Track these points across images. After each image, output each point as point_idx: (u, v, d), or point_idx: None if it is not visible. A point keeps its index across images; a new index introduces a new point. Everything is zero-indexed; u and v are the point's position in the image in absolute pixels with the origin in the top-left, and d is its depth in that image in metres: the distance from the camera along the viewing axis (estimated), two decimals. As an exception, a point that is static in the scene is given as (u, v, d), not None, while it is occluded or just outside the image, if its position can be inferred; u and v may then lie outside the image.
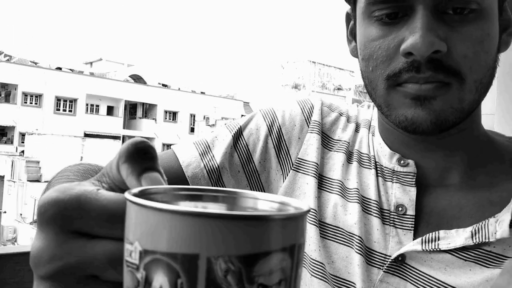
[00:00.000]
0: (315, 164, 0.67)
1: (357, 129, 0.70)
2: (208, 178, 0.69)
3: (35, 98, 33.30)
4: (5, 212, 20.16)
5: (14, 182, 21.61)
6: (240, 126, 0.73)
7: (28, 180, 21.00)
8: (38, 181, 21.33)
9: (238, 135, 0.72)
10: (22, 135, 32.32)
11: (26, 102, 32.95)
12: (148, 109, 38.73)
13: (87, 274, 0.30)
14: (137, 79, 39.19)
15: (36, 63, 35.81)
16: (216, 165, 0.70)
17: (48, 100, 33.32)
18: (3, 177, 22.88)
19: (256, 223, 0.24)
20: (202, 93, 40.97)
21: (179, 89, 40.45)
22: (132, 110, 38.97)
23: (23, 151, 26.64)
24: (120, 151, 0.33)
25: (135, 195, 0.27)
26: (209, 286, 0.24)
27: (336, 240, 0.62)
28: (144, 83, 38.85)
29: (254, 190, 0.70)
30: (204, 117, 36.05)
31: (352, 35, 0.62)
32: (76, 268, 0.30)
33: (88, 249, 0.30)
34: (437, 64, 0.51)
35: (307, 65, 34.03)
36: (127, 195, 0.27)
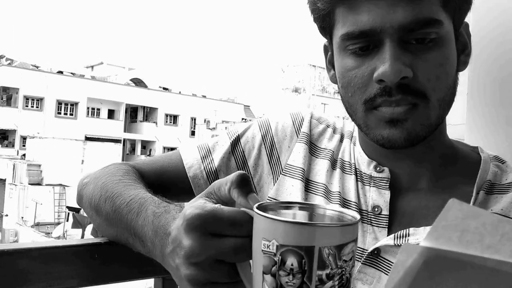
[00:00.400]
0: (302, 170, 0.75)
1: (341, 140, 0.79)
2: (206, 179, 0.79)
3: (36, 102, 33.39)
4: (6, 215, 20.19)
5: (16, 185, 21.66)
6: (238, 134, 0.82)
7: (29, 184, 21.06)
8: (39, 184, 21.40)
9: (236, 142, 0.81)
10: (23, 138, 32.37)
11: (27, 106, 33.04)
12: (149, 113, 38.83)
13: (218, 259, 0.46)
14: (138, 82, 39.31)
15: (37, 67, 35.94)
16: (214, 168, 0.79)
17: (49, 104, 33.41)
18: (4, 180, 22.93)
19: (344, 228, 0.43)
20: (203, 96, 41.09)
21: (180, 92, 40.54)
22: (133, 113, 39.07)
23: (24, 155, 26.69)
24: (232, 180, 0.49)
25: (259, 208, 0.44)
26: (320, 262, 0.41)
27: None
28: (145, 86, 38.98)
29: None
30: (205, 120, 36.11)
31: (330, 64, 0.70)
32: (213, 256, 0.46)
33: (220, 243, 0.46)
34: (405, 88, 0.59)
35: (307, 68, 34.10)
36: (260, 212, 0.43)
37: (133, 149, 38.80)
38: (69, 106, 34.45)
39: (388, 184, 0.69)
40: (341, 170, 0.74)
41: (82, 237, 17.13)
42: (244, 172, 0.51)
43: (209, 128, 28.90)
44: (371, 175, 0.71)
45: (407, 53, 0.58)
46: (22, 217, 20.26)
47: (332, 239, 0.42)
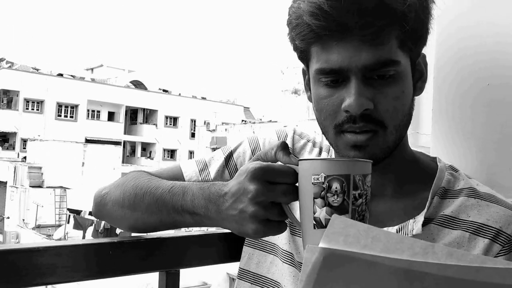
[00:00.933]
0: None
1: (320, 152, 0.89)
2: None
3: (37, 104, 33.47)
4: (8, 217, 20.26)
5: (17, 188, 21.72)
6: (231, 150, 0.94)
7: (30, 186, 21.12)
8: (40, 186, 21.45)
9: (229, 157, 0.93)
10: (24, 141, 32.41)
11: (27, 108, 33.13)
12: (149, 115, 38.92)
13: (271, 201, 0.63)
14: (138, 84, 39.38)
15: (37, 70, 35.91)
16: (211, 180, 0.89)
17: (50, 106, 33.50)
18: (5, 183, 23.00)
19: (367, 163, 0.62)
20: (202, 98, 41.17)
21: (179, 94, 40.65)
22: (133, 115, 39.15)
23: (25, 157, 26.71)
24: (277, 145, 0.67)
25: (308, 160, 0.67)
26: (354, 185, 0.59)
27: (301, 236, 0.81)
28: (145, 88, 39.06)
29: None
30: (205, 122, 36.14)
31: (308, 86, 0.81)
32: (271, 197, 0.63)
33: (275, 188, 0.63)
34: (367, 117, 0.70)
35: (307, 70, 34.18)
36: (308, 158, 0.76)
37: (133, 151, 38.86)
38: (69, 109, 34.56)
39: None
40: None
41: (83, 238, 17.25)
42: (284, 141, 0.70)
43: (209, 130, 28.92)
44: None
45: (370, 88, 0.69)
46: (23, 220, 20.31)
47: (361, 170, 0.61)
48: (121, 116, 37.13)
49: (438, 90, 0.90)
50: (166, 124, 38.94)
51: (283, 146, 0.68)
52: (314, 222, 0.61)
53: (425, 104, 0.96)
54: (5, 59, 37.22)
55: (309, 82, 0.77)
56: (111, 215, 0.85)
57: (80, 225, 16.71)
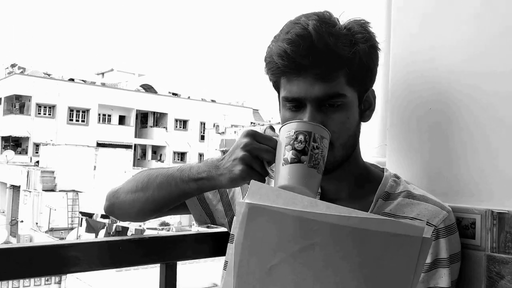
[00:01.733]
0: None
1: None
2: (198, 202, 1.08)
3: (49, 109, 33.82)
4: (21, 221, 20.54)
5: (30, 192, 21.93)
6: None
7: (43, 190, 21.35)
8: (53, 190, 21.69)
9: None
10: (36, 145, 32.69)
11: (39, 113, 33.50)
12: (159, 118, 39.16)
13: (256, 155, 0.84)
14: (148, 88, 39.58)
15: (49, 75, 36.14)
16: None
17: (61, 111, 33.83)
18: (19, 187, 23.29)
19: (324, 129, 0.83)
20: (212, 101, 41.35)
21: (189, 97, 40.79)
22: (143, 119, 39.43)
23: (37, 162, 26.95)
24: (267, 127, 0.91)
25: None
26: (314, 139, 0.81)
27: None
28: (155, 92, 39.24)
29: (225, 202, 1.07)
30: (214, 124, 36.34)
31: (279, 108, 0.99)
32: (257, 150, 0.84)
33: (259, 145, 0.84)
34: None
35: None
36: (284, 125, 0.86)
37: (144, 154, 39.10)
38: (80, 113, 34.87)
39: (319, 196, 0.97)
40: None
41: (96, 241, 17.46)
42: (271, 125, 0.98)
43: (219, 133, 29.14)
44: None
45: (321, 114, 0.87)
46: (37, 223, 20.55)
47: (320, 132, 0.81)
48: (132, 119, 37.42)
49: (392, 113, 1.08)
50: (176, 127, 39.14)
51: (271, 127, 0.91)
52: (283, 161, 0.81)
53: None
54: (17, 64, 37.48)
55: (280, 105, 0.96)
56: (123, 204, 1.02)
57: (92, 228, 16.93)
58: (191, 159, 37.50)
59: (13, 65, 37.67)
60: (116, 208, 1.04)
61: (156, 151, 39.25)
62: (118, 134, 35.95)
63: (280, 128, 0.86)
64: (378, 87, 1.02)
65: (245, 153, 0.84)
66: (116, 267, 0.95)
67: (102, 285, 13.92)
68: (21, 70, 35.48)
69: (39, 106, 33.37)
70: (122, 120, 37.40)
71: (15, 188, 24.17)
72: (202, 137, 39.20)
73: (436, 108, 1.02)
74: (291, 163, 0.79)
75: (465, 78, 0.99)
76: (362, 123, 0.96)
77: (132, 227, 15.33)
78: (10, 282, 13.76)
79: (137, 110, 37.65)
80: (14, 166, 25.80)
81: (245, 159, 0.84)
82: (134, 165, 32.39)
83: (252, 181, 0.73)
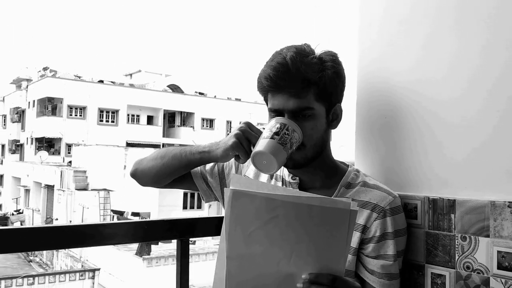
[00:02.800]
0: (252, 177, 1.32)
1: None
2: (200, 176, 1.37)
3: (80, 111, 34.63)
4: (56, 219, 21.27)
5: (63, 191, 22.66)
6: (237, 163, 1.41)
7: (76, 189, 22.10)
8: (85, 189, 22.34)
9: (236, 165, 1.38)
10: (68, 146, 33.53)
11: (71, 115, 34.33)
12: (186, 118, 39.66)
13: (247, 137, 1.15)
14: (175, 88, 40.03)
15: (79, 77, 36.76)
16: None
17: (92, 112, 34.61)
18: (53, 186, 24.10)
19: (296, 126, 1.13)
20: (237, 99, 41.61)
21: (215, 96, 41.12)
22: (170, 118, 40.03)
23: (70, 162, 27.70)
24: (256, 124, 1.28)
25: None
26: (286, 128, 1.11)
27: None
28: (182, 92, 39.66)
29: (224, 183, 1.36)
30: (240, 123, 36.59)
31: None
32: (248, 132, 1.15)
33: (250, 131, 1.16)
34: None
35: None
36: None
37: (172, 153, 39.67)
38: (110, 114, 35.58)
39: (297, 185, 1.24)
40: (275, 179, 1.31)
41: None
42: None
43: (244, 131, 29.48)
44: (289, 181, 1.26)
45: (296, 122, 1.13)
46: (70, 221, 21.10)
47: (292, 125, 1.09)
48: (160, 119, 38.03)
49: (358, 121, 1.36)
50: (203, 126, 39.54)
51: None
52: (263, 137, 1.10)
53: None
54: (48, 67, 38.27)
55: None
56: (144, 168, 1.35)
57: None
58: (218, 158, 37.77)
59: (45, 68, 38.44)
60: (138, 172, 1.36)
61: (184, 150, 39.71)
62: (146, 134, 36.55)
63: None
64: (349, 102, 1.29)
65: (239, 132, 1.14)
66: (142, 241, 1.24)
67: (133, 280, 14.45)
68: (53, 73, 36.27)
69: (70, 107, 34.20)
70: (150, 120, 38.01)
71: (49, 188, 24.98)
72: (229, 136, 39.52)
73: (392, 116, 1.29)
74: (267, 138, 1.09)
75: (413, 93, 1.25)
76: (332, 130, 1.23)
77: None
78: (51, 276, 14.38)
79: (164, 110, 38.21)
80: (48, 166, 26.61)
81: (238, 136, 1.13)
82: (162, 164, 32.84)
83: (232, 175, 1.05)
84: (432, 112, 1.21)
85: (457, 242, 1.12)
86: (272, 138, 1.08)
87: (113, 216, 18.55)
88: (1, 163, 41.50)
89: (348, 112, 1.27)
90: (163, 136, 38.22)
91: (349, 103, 1.28)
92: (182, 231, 1.31)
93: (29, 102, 37.19)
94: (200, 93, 41.05)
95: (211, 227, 1.37)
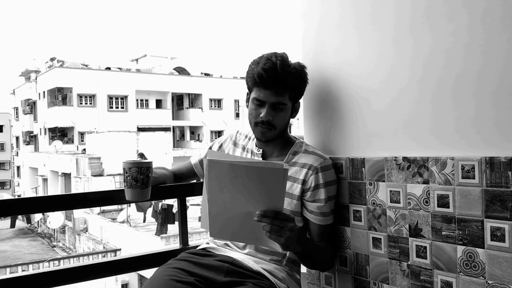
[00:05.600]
0: (229, 151, 1.83)
1: (249, 139, 1.85)
2: (200, 165, 1.89)
3: (89, 99, 35.14)
4: (76, 205, 21.87)
5: (80, 178, 23.34)
6: (221, 141, 1.90)
7: (92, 175, 22.88)
8: (101, 175, 22.97)
9: (221, 145, 1.89)
10: (81, 134, 34.09)
11: (81, 103, 34.89)
12: (194, 99, 39.97)
13: None
14: (181, 71, 40.24)
15: (86, 65, 37.13)
16: (201, 159, 1.90)
17: (101, 99, 35.15)
18: (69, 174, 24.83)
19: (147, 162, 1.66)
20: (243, 78, 41.44)
21: (221, 76, 41.29)
22: (179, 101, 40.41)
23: (84, 149, 28.28)
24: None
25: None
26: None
27: None
28: (188, 74, 39.91)
29: None
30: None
31: (247, 102, 1.70)
32: None
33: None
34: (268, 122, 1.61)
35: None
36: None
37: (182, 136, 40.03)
38: (119, 100, 36.07)
39: (261, 155, 1.74)
40: (246, 151, 1.81)
41: (144, 220, 18.76)
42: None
43: (252, 109, 29.84)
44: (255, 152, 1.77)
45: (272, 111, 1.59)
46: (89, 206, 21.96)
47: (125, 165, 1.62)
48: (168, 102, 38.48)
49: (307, 110, 1.86)
50: (211, 106, 39.88)
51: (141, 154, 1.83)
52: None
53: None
54: (55, 58, 38.55)
55: (249, 100, 1.69)
56: None
57: (140, 207, 18.11)
58: (228, 137, 38.18)
59: (52, 59, 38.67)
60: None
61: (194, 131, 40.16)
62: (156, 117, 37.04)
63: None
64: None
65: None
66: (149, 200, 1.75)
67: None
68: (60, 63, 36.59)
69: (80, 96, 34.73)
70: (159, 103, 38.43)
71: (66, 176, 25.67)
72: (237, 115, 39.86)
73: (329, 102, 1.79)
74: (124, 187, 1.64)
75: (353, 81, 1.75)
76: (291, 119, 1.73)
77: (177, 204, 16.41)
78: (75, 258, 15.13)
79: (172, 93, 38.60)
80: (63, 155, 27.29)
81: None
82: (174, 146, 33.39)
83: (208, 151, 1.52)
84: (363, 98, 1.68)
85: (367, 187, 1.63)
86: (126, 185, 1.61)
87: (129, 199, 19.10)
88: (17, 155, 42.41)
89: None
90: (173, 119, 38.60)
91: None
92: (180, 193, 1.83)
93: (39, 93, 37.75)
94: (206, 74, 41.23)
95: (200, 189, 1.89)
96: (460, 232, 1.35)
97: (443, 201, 1.39)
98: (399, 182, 1.52)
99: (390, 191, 1.54)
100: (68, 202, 1.70)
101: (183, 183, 1.90)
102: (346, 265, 1.71)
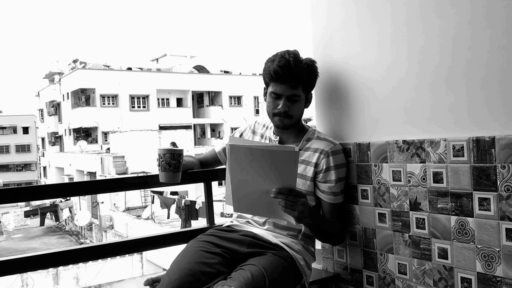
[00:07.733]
0: (249, 138, 2.03)
1: (266, 128, 2.05)
2: (223, 152, 2.10)
3: (112, 99, 35.74)
4: (102, 202, 22.47)
5: (105, 176, 23.63)
6: (242, 130, 2.11)
7: (116, 174, 23.24)
8: (125, 173, 23.33)
9: (240, 132, 2.10)
10: (105, 133, 34.66)
11: (104, 104, 35.52)
12: (214, 97, 40.29)
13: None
14: (201, 69, 40.52)
15: (108, 66, 37.67)
16: (224, 146, 2.11)
17: (123, 99, 35.70)
18: (95, 173, 25.37)
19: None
20: (261, 75, 41.80)
21: (240, 74, 41.42)
22: (199, 99, 40.80)
23: (108, 148, 28.82)
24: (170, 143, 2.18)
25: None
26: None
27: None
28: (208, 72, 40.21)
29: None
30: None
31: (265, 96, 1.91)
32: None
33: None
34: (285, 113, 1.81)
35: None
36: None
37: (203, 133, 40.34)
38: (141, 99, 36.56)
39: (278, 141, 1.94)
40: (264, 138, 2.01)
41: (168, 216, 19.09)
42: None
43: (272, 105, 29.95)
44: (273, 139, 1.97)
45: (288, 103, 1.80)
46: (114, 204, 22.31)
47: (160, 152, 1.86)
48: (189, 101, 38.89)
49: (317, 99, 2.06)
50: (231, 104, 40.15)
51: (173, 143, 2.06)
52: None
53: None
54: (78, 60, 39.16)
55: (266, 94, 1.90)
56: None
57: (164, 204, 18.31)
58: (249, 133, 38.29)
59: (75, 61, 39.27)
60: None
61: (215, 128, 40.44)
62: (177, 116, 37.46)
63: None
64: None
65: None
66: (177, 185, 1.97)
67: (177, 253, 15.41)
68: (83, 64, 37.10)
69: (103, 97, 35.35)
70: (179, 102, 38.85)
71: (92, 174, 26.23)
72: (257, 111, 40.00)
73: (341, 91, 1.99)
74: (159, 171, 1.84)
75: (359, 72, 1.94)
76: (305, 108, 1.93)
77: (200, 200, 16.70)
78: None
79: (192, 91, 38.99)
80: (88, 154, 27.89)
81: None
82: (195, 144, 33.73)
83: (230, 137, 1.73)
84: (368, 89, 1.87)
85: (372, 168, 1.82)
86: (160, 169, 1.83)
87: (153, 197, 19.57)
88: (43, 156, 43.38)
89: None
90: (194, 117, 38.93)
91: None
92: (206, 177, 2.06)
93: (63, 95, 38.51)
94: (226, 72, 41.40)
95: (222, 175, 2.11)
96: (453, 204, 1.54)
97: (437, 178, 1.58)
98: (400, 162, 1.71)
99: (393, 171, 1.73)
100: (110, 185, 1.93)
101: (208, 169, 2.12)
102: (356, 239, 1.91)
